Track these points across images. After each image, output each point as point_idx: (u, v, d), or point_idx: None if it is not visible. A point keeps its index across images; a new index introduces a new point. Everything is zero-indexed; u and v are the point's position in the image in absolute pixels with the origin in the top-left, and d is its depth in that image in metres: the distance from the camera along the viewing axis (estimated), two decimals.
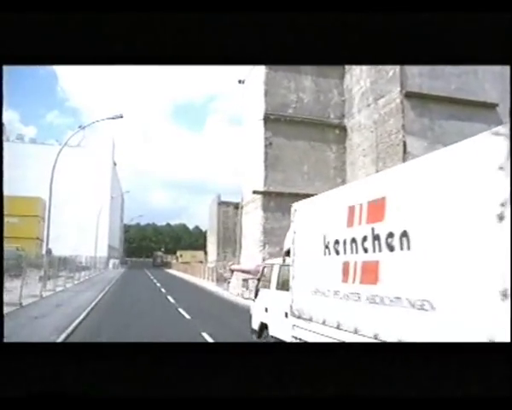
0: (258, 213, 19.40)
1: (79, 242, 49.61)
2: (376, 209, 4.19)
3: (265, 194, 19.20)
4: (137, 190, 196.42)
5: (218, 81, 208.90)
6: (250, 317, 8.13)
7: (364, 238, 4.31)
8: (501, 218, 2.88)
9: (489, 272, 2.94)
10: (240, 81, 23.49)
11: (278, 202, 19.01)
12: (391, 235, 3.95)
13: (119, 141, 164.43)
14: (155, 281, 33.06)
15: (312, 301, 5.29)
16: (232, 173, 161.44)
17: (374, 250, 4.19)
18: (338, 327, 4.67)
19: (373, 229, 4.20)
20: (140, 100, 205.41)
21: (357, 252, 4.45)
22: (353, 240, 4.49)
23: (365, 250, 4.31)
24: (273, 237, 19.06)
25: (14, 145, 53.41)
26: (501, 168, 2.92)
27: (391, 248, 3.95)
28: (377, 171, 17.95)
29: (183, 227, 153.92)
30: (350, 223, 4.58)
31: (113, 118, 21.15)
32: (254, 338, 7.73)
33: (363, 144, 19.12)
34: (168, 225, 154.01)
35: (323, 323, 4.98)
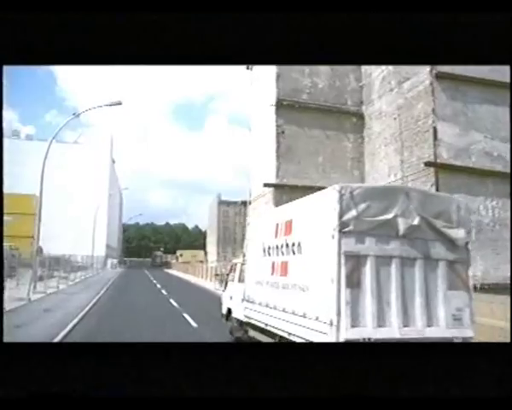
0: (269, 209, 17.69)
1: (77, 241, 47.85)
2: (288, 227, 5.87)
3: (277, 187, 17.51)
4: (137, 190, 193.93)
5: (217, 81, 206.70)
6: (220, 304, 9.88)
7: (282, 246, 5.99)
8: (333, 237, 4.63)
9: (327, 267, 4.67)
10: (248, 67, 21.82)
11: (291, 195, 17.31)
12: (293, 244, 5.64)
13: (119, 141, 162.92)
14: (155, 282, 31.35)
15: (255, 289, 7.00)
16: (232, 173, 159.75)
17: (286, 254, 5.88)
18: (267, 306, 6.38)
19: (286, 239, 5.90)
20: (139, 99, 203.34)
21: (278, 255, 6.14)
22: (277, 246, 6.16)
23: (282, 254, 6.00)
24: None
25: (9, 141, 51.65)
26: (334, 209, 4.64)
27: (293, 253, 5.65)
28: (402, 161, 16.32)
29: (183, 227, 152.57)
30: (276, 235, 6.26)
31: (111, 105, 19.49)
32: (223, 321, 9.41)
33: (385, 133, 17.46)
34: (167, 224, 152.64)
35: (260, 304, 6.71)
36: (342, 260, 4.51)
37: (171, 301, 17.39)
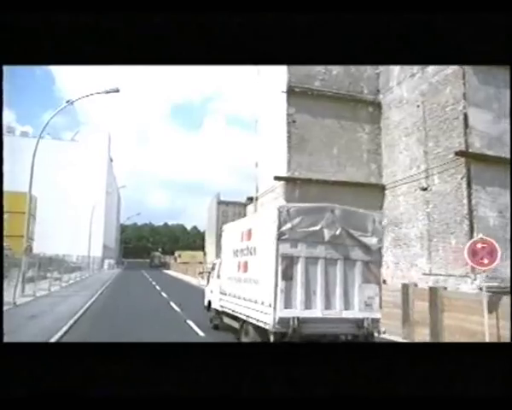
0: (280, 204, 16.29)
1: (74, 240, 46.27)
2: (249, 234, 7.46)
3: (289, 180, 16.07)
4: (135, 190, 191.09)
5: (215, 82, 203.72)
6: (203, 297, 11.93)
7: (245, 248, 7.61)
8: (273, 243, 6.04)
9: (270, 265, 6.11)
10: None
11: (304, 190, 15.91)
12: (252, 247, 7.21)
13: (117, 142, 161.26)
14: (154, 283, 29.88)
15: (227, 283, 8.70)
16: (230, 174, 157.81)
17: (247, 255, 7.47)
18: (234, 296, 8.03)
19: (247, 244, 7.49)
20: (137, 100, 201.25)
21: (242, 256, 7.78)
22: (241, 249, 7.81)
23: (245, 255, 7.60)
24: None
25: (4, 138, 49.93)
26: (274, 222, 6.03)
27: (251, 254, 7.22)
28: (426, 152, 14.90)
29: (181, 227, 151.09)
30: (241, 240, 7.86)
31: (108, 92, 18.02)
32: (206, 311, 11.11)
33: (406, 122, 16.07)
34: (165, 225, 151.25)
35: (229, 294, 8.41)
36: (279, 260, 5.99)
37: (172, 304, 15.95)
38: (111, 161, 64.11)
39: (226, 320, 8.83)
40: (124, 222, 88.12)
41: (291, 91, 16.49)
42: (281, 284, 5.89)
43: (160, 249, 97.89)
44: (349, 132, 17.11)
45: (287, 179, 16.05)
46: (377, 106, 17.51)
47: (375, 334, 6.47)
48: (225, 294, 8.62)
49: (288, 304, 5.89)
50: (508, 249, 13.08)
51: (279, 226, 5.97)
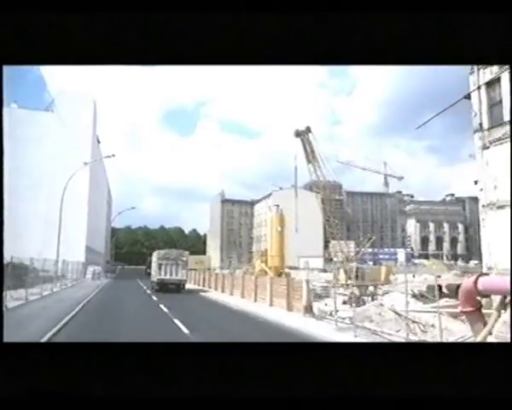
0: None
1: (48, 241, 33.46)
2: (156, 256, 29.23)
3: None
4: (127, 196, 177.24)
5: (208, 86, 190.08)
6: (150, 278, 30.99)
7: (155, 260, 29.35)
8: (155, 261, 28.82)
9: (156, 266, 29.01)
10: None
11: None
12: (153, 261, 30.79)
13: (112, 148, 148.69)
14: (162, 306, 17.48)
15: (153, 272, 30.30)
16: (224, 179, 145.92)
17: (155, 262, 29.71)
18: (154, 276, 29.10)
19: (154, 259, 30.35)
20: (129, 105, 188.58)
21: (154, 263, 30.03)
22: (155, 260, 29.50)
23: (154, 262, 30.26)
24: None
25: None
26: (156, 254, 29.02)
27: (154, 262, 30.89)
28: None
29: (179, 230, 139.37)
30: (155, 257, 29.24)
31: None
32: (150, 283, 30.04)
33: None
34: (162, 228, 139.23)
35: (153, 275, 29.47)
36: (157, 264, 27.22)
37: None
38: (98, 142, 51.56)
39: (153, 285, 27.37)
40: (114, 219, 75.12)
41: None
42: (157, 270, 26.72)
43: None
44: None
45: None
46: None
47: (186, 285, 27.94)
48: (153, 275, 28.29)
49: (159, 275, 26.36)
50: None
51: (158, 255, 27.36)
